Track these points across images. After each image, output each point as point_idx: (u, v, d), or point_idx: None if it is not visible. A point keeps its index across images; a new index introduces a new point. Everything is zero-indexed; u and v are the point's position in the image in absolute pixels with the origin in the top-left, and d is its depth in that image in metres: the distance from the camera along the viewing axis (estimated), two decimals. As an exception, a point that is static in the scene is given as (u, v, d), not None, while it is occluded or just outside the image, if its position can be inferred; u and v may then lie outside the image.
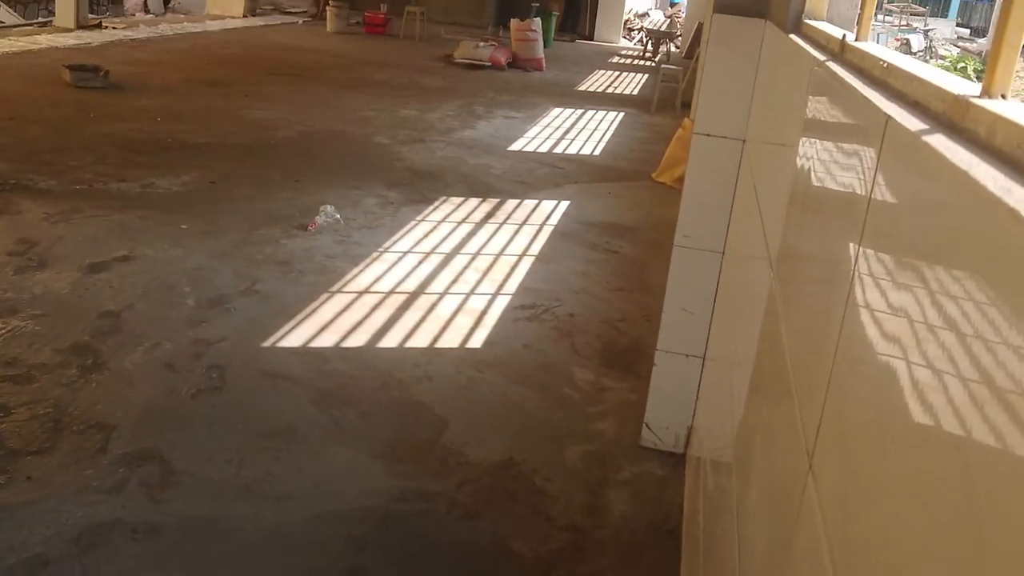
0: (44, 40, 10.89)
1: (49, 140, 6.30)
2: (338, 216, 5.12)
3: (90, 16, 12.91)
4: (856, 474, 0.87)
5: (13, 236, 4.40)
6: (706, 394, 2.97)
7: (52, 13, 13.13)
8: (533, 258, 5.01)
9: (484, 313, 4.15)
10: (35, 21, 13.68)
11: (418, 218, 5.47)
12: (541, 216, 5.83)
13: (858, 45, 1.39)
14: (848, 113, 1.16)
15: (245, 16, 16.16)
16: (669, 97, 10.96)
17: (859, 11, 1.51)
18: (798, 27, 2.11)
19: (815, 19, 2.05)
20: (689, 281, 2.99)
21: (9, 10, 14.19)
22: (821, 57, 1.49)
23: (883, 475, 0.77)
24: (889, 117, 0.88)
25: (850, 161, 1.11)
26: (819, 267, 1.28)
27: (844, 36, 1.49)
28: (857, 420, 0.90)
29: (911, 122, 0.84)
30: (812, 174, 1.42)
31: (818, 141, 1.42)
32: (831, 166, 1.26)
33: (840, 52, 1.47)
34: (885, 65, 1.13)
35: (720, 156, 2.85)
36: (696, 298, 3.00)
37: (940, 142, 0.73)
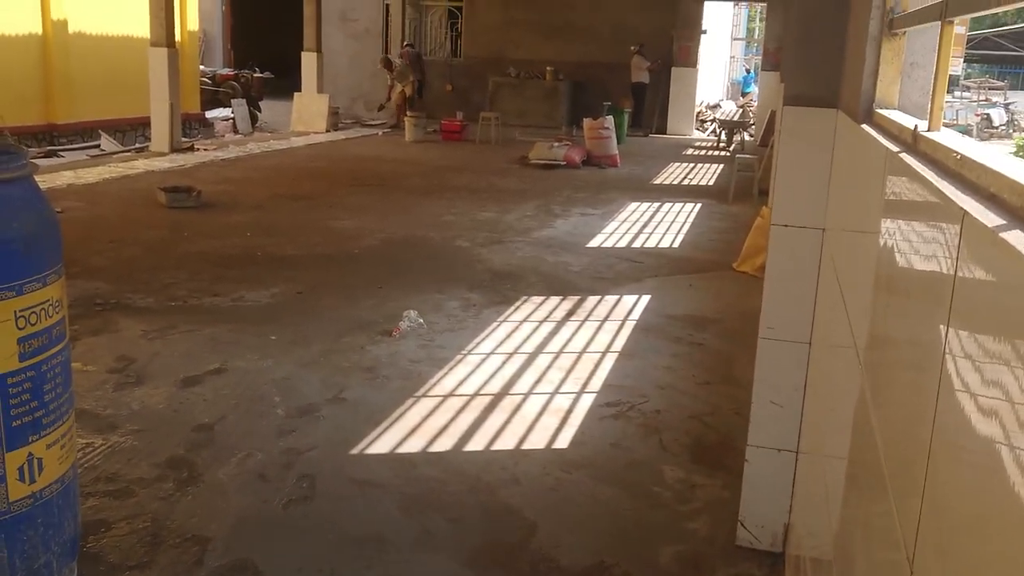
0: (141, 165, 11.50)
1: (146, 260, 6.59)
2: (421, 321, 5.20)
3: (183, 140, 13.61)
4: (961, 577, 0.83)
5: (113, 353, 4.58)
6: (802, 489, 2.88)
7: (148, 139, 13.89)
8: (616, 354, 4.98)
9: (569, 412, 4.13)
10: (133, 147, 14.48)
11: (500, 319, 5.51)
12: (622, 311, 5.83)
13: (931, 135, 1.39)
14: (924, 206, 1.15)
15: (328, 131, 16.81)
16: (746, 186, 10.95)
17: (930, 100, 1.51)
18: (869, 117, 2.11)
19: (886, 108, 2.05)
20: (776, 373, 2.94)
21: (109, 138, 15.07)
22: (894, 148, 1.49)
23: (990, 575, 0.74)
24: (965, 212, 0.87)
25: (930, 251, 1.10)
26: (907, 355, 1.25)
27: (916, 127, 1.49)
28: (959, 516, 0.87)
29: (988, 217, 0.83)
30: (893, 263, 1.40)
31: (897, 231, 1.40)
32: (912, 256, 1.25)
33: (913, 143, 1.47)
34: (959, 157, 1.12)
35: (800, 246, 2.83)
36: (785, 390, 2.94)
37: (1018, 238, 0.72)
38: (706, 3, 19.44)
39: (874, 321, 1.59)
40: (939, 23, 1.44)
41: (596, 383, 4.53)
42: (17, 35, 14.53)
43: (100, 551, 2.82)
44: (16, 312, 2.19)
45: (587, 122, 14.05)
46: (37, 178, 2.45)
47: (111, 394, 4.06)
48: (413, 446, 3.69)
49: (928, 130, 1.45)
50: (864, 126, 2.01)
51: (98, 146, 14.81)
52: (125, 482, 3.26)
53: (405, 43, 20.07)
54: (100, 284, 5.80)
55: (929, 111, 1.49)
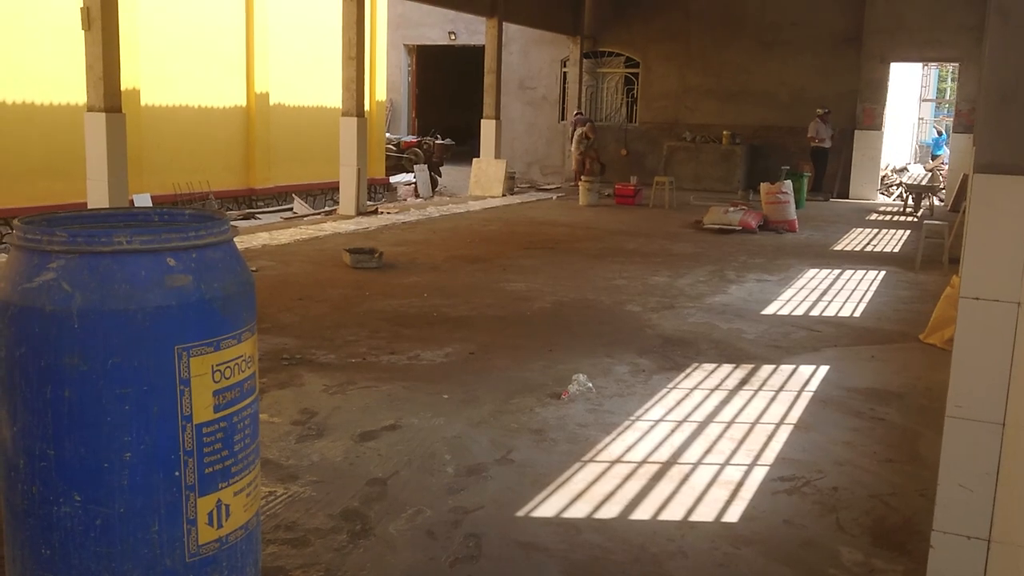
0: (329, 227, 12.14)
1: (330, 317, 6.93)
2: (590, 385, 5.20)
3: (368, 203, 14.29)
4: None
5: (297, 406, 4.82)
6: (994, 582, 2.68)
7: (336, 202, 14.68)
8: (791, 426, 4.81)
9: (740, 485, 4.01)
10: (322, 210, 15.35)
11: (669, 386, 5.44)
12: (799, 382, 5.63)
13: None
14: None
15: (504, 195, 17.24)
16: (934, 253, 10.42)
17: None
18: (1069, 186, 1.98)
19: (1088, 177, 1.93)
20: (966, 455, 2.76)
21: (301, 201, 16.04)
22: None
23: None
24: None
25: None
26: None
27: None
28: None
29: None
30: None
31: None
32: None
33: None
34: None
35: (992, 320, 2.67)
36: (975, 473, 2.75)
37: None
38: (893, 64, 18.80)
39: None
40: None
41: (769, 456, 4.38)
42: (226, 107, 15.81)
43: (277, 597, 2.95)
44: (213, 366, 2.35)
45: (764, 186, 13.80)
46: (238, 239, 2.64)
47: (293, 445, 4.26)
48: (578, 511, 3.68)
49: None
50: (1063, 196, 1.90)
51: (291, 209, 15.80)
52: (303, 531, 3.41)
53: (576, 112, 20.46)
54: (288, 340, 6.13)
55: None
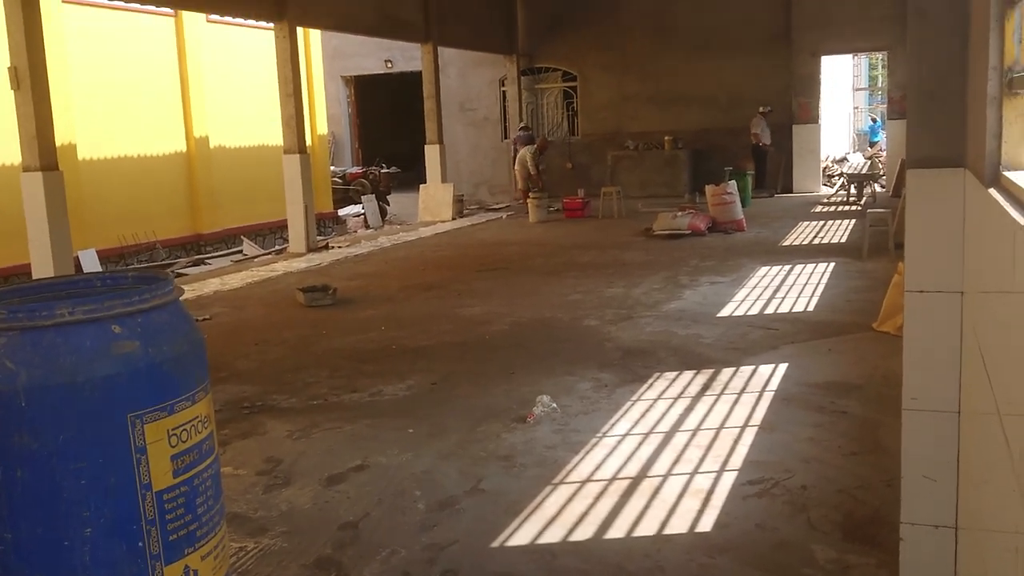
0: (280, 266, 12.03)
1: (289, 360, 6.86)
2: (555, 405, 5.20)
3: (318, 239, 14.19)
4: None
5: (261, 455, 4.76)
6: (965, 570, 2.72)
7: (286, 241, 14.56)
8: (756, 428, 4.85)
9: (711, 492, 4.03)
10: (272, 250, 15.22)
11: (633, 398, 5.46)
12: (759, 382, 5.68)
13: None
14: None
15: (453, 219, 17.24)
16: (880, 241, 10.60)
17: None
18: (996, 180, 2.03)
19: (1014, 170, 1.98)
20: (925, 445, 2.80)
21: (251, 243, 15.90)
22: (1023, 221, 1.43)
23: None
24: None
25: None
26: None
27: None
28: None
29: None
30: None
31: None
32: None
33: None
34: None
35: (938, 311, 2.72)
36: (936, 463, 2.79)
37: None
38: (823, 58, 19.17)
39: (1013, 390, 1.51)
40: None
41: (737, 460, 4.41)
42: (166, 154, 15.65)
43: (255, 656, 2.90)
44: (168, 431, 2.32)
45: (709, 188, 13.95)
46: (188, 287, 2.61)
47: (261, 496, 4.21)
48: (553, 536, 3.67)
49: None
50: (991, 190, 1.94)
51: (241, 251, 15.65)
52: (276, 584, 3.36)
53: (521, 125, 20.52)
54: (247, 387, 6.06)
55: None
